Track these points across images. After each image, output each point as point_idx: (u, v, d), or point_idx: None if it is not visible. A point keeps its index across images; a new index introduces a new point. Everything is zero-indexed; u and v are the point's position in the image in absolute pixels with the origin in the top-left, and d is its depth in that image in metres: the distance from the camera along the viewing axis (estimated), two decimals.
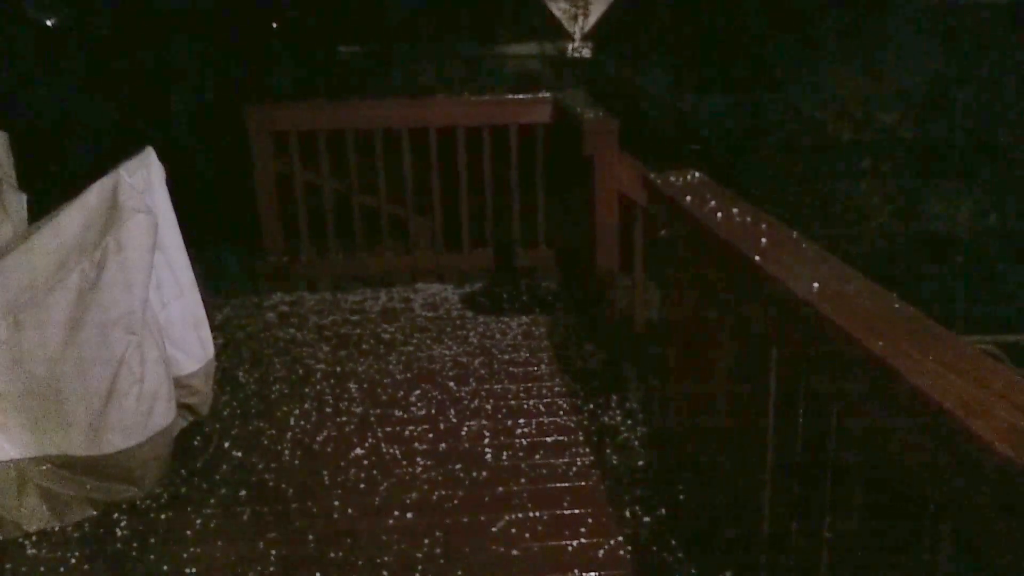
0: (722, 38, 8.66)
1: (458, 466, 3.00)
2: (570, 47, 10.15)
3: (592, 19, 10.30)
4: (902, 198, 8.36)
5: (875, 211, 8.31)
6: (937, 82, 8.38)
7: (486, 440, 3.18)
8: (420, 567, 2.48)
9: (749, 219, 2.23)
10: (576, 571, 2.45)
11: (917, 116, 8.47)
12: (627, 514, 2.69)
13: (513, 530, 2.63)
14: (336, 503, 2.82)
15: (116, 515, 2.76)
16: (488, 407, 3.43)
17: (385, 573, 2.46)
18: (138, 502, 2.82)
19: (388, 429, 3.28)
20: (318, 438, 3.23)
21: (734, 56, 8.64)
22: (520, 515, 2.71)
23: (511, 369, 3.77)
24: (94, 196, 2.68)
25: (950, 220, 8.15)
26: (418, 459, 3.06)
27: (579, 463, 3.00)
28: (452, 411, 3.40)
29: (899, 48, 8.34)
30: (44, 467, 2.67)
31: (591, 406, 3.40)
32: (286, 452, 3.14)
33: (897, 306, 1.62)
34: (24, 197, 3.16)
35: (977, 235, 8.04)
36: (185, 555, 2.57)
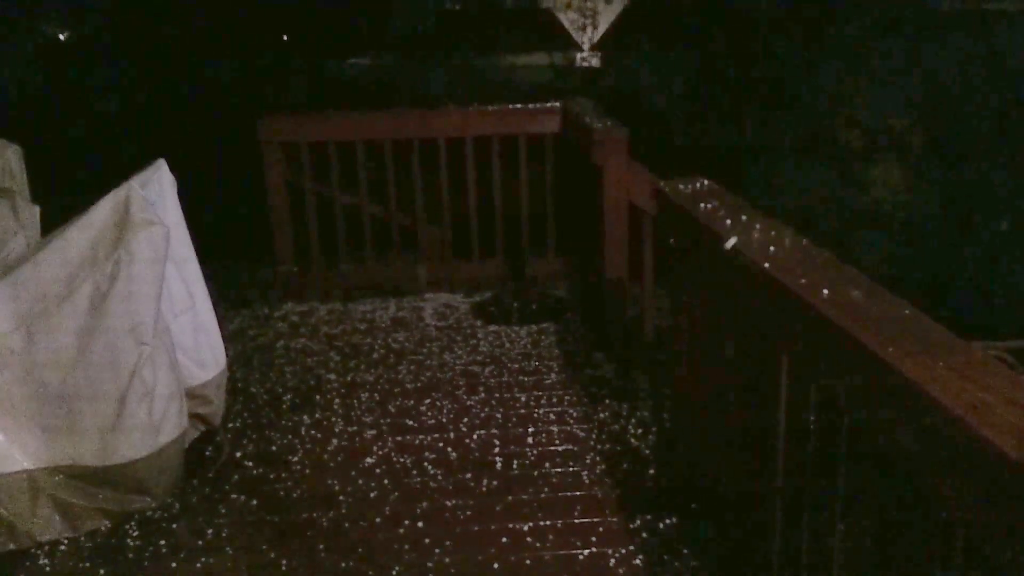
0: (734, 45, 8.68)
1: (468, 475, 3.00)
2: (578, 57, 10.17)
3: (601, 29, 10.32)
4: None
5: None
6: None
7: (496, 449, 3.18)
8: None
9: (758, 226, 2.23)
10: None
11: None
12: (638, 523, 2.68)
13: (524, 539, 2.63)
14: (347, 512, 2.82)
15: (128, 525, 2.77)
16: (498, 416, 3.43)
17: None
18: (150, 512, 2.83)
19: (398, 438, 3.28)
20: (329, 448, 3.24)
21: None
22: (531, 524, 2.70)
23: (521, 378, 3.77)
24: (106, 207, 2.69)
25: None
26: (429, 468, 3.06)
27: (590, 472, 3.00)
28: (462, 420, 3.40)
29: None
30: (57, 477, 2.69)
31: (601, 415, 3.39)
32: (297, 462, 3.15)
33: (907, 312, 1.61)
34: (37, 209, 3.19)
35: None
36: (197, 565, 2.58)
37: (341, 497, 2.91)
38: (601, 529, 2.67)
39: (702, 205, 2.43)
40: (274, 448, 3.25)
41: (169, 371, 2.81)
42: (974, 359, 1.40)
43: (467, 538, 2.65)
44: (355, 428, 3.38)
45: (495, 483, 2.95)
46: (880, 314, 1.62)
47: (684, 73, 9.01)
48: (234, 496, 2.94)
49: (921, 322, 1.58)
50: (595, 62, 10.16)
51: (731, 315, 2.27)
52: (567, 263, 4.92)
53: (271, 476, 3.05)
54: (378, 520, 2.77)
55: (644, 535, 2.62)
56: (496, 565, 2.51)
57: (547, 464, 3.05)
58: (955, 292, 7.51)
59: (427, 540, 2.64)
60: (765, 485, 2.06)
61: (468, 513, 2.79)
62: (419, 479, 3.00)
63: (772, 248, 2.04)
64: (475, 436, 3.27)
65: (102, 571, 2.57)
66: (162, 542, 2.69)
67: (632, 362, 3.81)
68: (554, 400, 3.55)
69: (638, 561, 2.51)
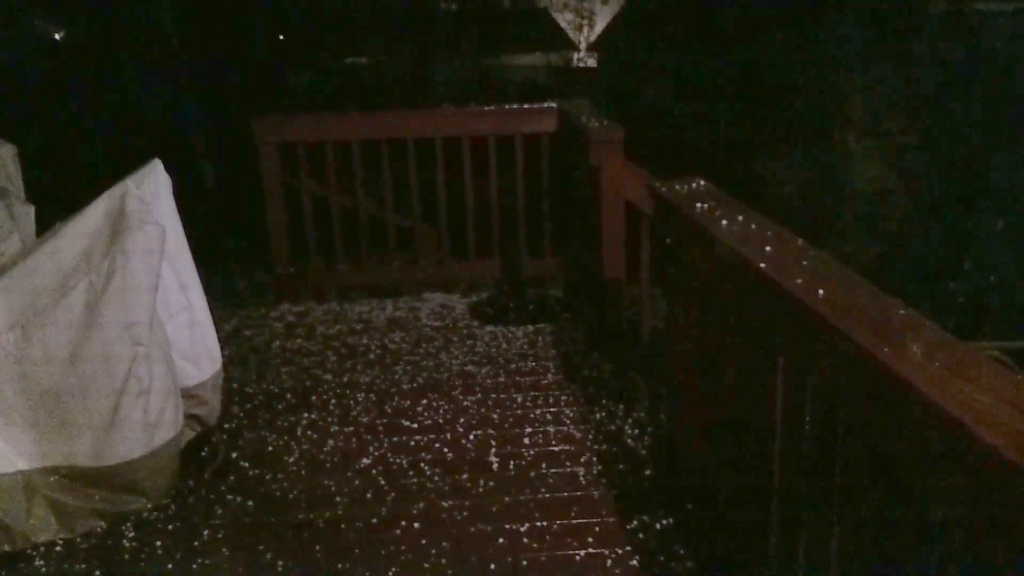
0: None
1: (465, 476, 3.00)
2: (575, 57, 10.18)
3: (597, 29, 10.33)
4: None
5: None
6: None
7: (493, 450, 3.17)
8: None
9: (754, 226, 2.23)
10: None
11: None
12: (635, 523, 2.68)
13: (521, 540, 2.63)
14: (343, 513, 2.81)
15: (124, 526, 2.77)
16: (495, 416, 3.42)
17: None
18: (146, 513, 2.82)
19: (395, 439, 3.28)
20: (325, 448, 3.23)
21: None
22: (527, 525, 2.70)
23: (518, 378, 3.77)
24: (101, 207, 2.69)
25: None
26: (425, 469, 3.06)
27: (586, 472, 3.00)
28: (459, 421, 3.40)
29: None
30: (52, 478, 2.68)
31: (598, 415, 3.39)
32: (293, 463, 3.14)
33: (903, 312, 1.61)
34: (32, 209, 3.18)
35: None
36: (193, 566, 2.57)
37: (337, 498, 2.90)
38: (598, 530, 2.66)
39: (698, 205, 2.43)
40: (270, 449, 3.25)
41: (164, 371, 2.81)
42: (970, 359, 1.40)
43: (464, 539, 2.65)
44: (351, 429, 3.37)
45: (492, 484, 2.95)
46: (876, 314, 1.62)
47: (680, 72, 9.02)
48: (230, 497, 2.93)
49: (917, 322, 1.58)
50: (591, 62, 10.17)
51: (727, 315, 2.27)
52: (564, 263, 4.92)
53: (267, 477, 3.05)
54: (374, 521, 2.77)
55: (641, 536, 2.62)
56: (493, 566, 2.51)
57: (544, 465, 3.05)
58: (950, 293, 7.53)
59: (424, 541, 2.64)
60: (762, 485, 2.06)
61: (465, 514, 2.78)
62: (416, 480, 2.99)
63: (768, 248, 2.04)
64: (472, 437, 3.27)
65: (98, 572, 2.56)
66: (158, 543, 2.68)
67: (629, 363, 3.81)
68: (551, 401, 3.55)
69: (635, 562, 2.50)
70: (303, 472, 3.08)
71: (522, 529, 2.68)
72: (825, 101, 8.71)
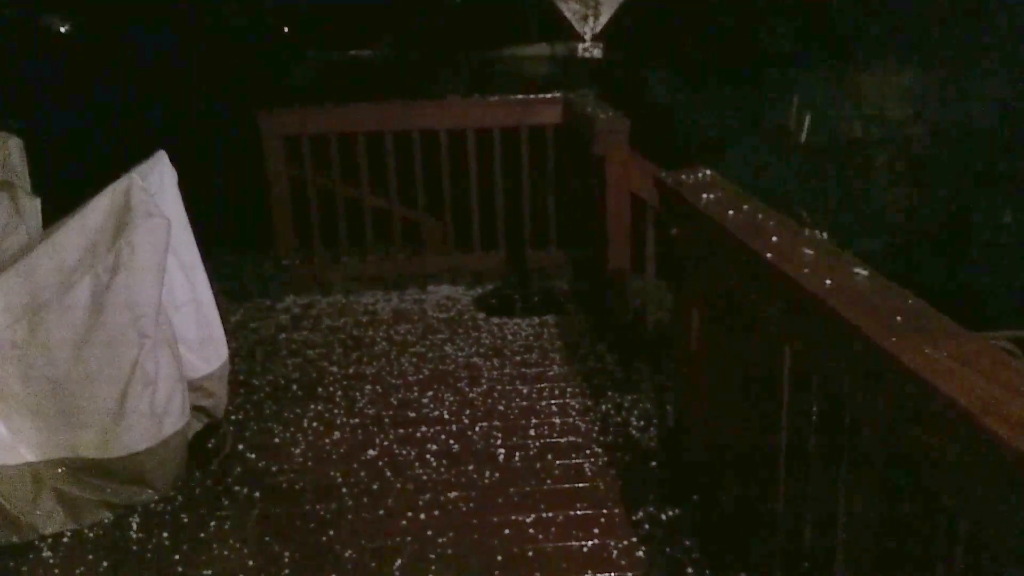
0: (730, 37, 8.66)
1: (471, 467, 3.00)
2: (580, 47, 10.14)
3: (602, 19, 10.29)
4: None
5: None
6: None
7: (499, 441, 3.17)
8: (433, 568, 2.48)
9: (760, 216, 2.22)
10: (590, 572, 2.44)
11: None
12: (641, 514, 2.68)
13: (527, 531, 2.63)
14: (349, 504, 2.82)
15: (131, 518, 2.78)
16: (501, 408, 3.42)
17: (398, 574, 2.47)
18: (153, 504, 2.83)
19: (401, 431, 3.28)
20: (331, 440, 3.24)
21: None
22: (533, 516, 2.70)
23: (523, 370, 3.77)
24: (107, 200, 2.69)
25: None
26: (431, 460, 3.06)
27: (592, 463, 3.00)
28: (465, 412, 3.40)
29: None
30: (59, 470, 2.69)
31: (604, 407, 3.39)
32: (299, 454, 3.15)
33: (911, 301, 1.61)
34: (38, 201, 3.18)
35: None
36: (201, 557, 2.58)
37: (344, 489, 2.91)
38: (603, 521, 2.66)
39: (704, 195, 2.42)
40: (277, 440, 3.25)
41: (171, 363, 2.81)
42: (979, 349, 1.40)
43: (469, 530, 2.65)
44: (357, 420, 3.38)
45: (497, 475, 2.95)
46: (883, 304, 1.61)
47: (689, 64, 8.98)
48: (237, 488, 2.94)
49: (923, 311, 1.57)
50: (597, 52, 10.13)
51: (733, 305, 2.26)
52: (569, 255, 4.91)
53: (274, 468, 3.06)
54: (381, 512, 2.77)
55: (646, 527, 2.62)
56: (499, 557, 2.51)
57: (549, 456, 3.05)
58: (958, 282, 7.49)
59: (430, 532, 2.64)
60: (768, 477, 2.06)
61: (471, 505, 2.79)
62: (421, 471, 2.99)
63: (774, 238, 2.03)
64: (477, 428, 3.27)
65: (105, 563, 2.58)
66: (165, 534, 2.69)
67: (634, 354, 3.80)
68: (556, 392, 3.55)
69: (640, 553, 2.50)
70: (309, 463, 3.08)
71: (528, 520, 2.68)
72: (834, 94, 8.68)
